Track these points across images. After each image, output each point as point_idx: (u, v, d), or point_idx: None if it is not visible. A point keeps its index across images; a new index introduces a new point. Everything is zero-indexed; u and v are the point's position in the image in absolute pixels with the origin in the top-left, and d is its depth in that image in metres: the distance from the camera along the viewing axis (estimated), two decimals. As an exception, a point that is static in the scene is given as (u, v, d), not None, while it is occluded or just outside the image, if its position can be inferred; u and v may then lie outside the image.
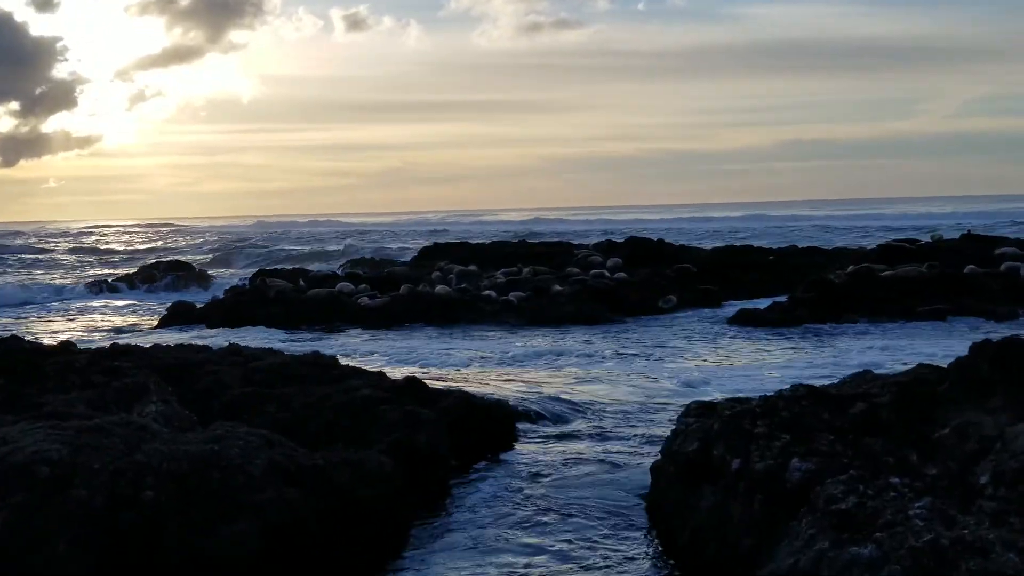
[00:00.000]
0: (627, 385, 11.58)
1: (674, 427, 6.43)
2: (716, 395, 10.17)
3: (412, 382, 9.03)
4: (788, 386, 5.91)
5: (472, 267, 23.16)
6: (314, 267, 32.49)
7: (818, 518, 4.29)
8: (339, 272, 27.22)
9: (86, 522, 5.10)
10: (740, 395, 7.68)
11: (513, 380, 12.31)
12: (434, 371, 13.19)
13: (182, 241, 72.73)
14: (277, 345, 15.39)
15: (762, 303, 20.22)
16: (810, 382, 6.23)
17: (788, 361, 13.01)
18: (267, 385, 8.82)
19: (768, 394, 5.87)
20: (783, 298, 19.23)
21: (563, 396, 10.81)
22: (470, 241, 31.97)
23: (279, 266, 30.77)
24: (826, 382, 6.55)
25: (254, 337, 17.96)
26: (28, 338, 9.35)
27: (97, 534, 5.08)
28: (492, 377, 12.56)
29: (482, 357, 14.39)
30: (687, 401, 9.90)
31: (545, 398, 10.76)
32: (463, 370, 13.34)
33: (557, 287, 20.63)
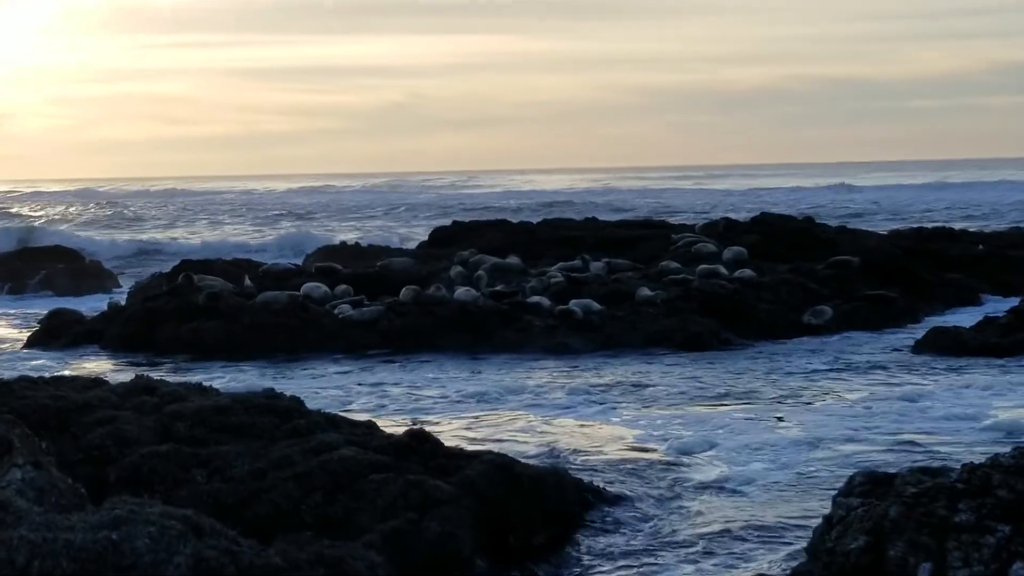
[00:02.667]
0: (753, 446, 11.65)
1: (827, 513, 6.47)
2: (889, 461, 10.26)
3: (419, 438, 9.02)
4: (1009, 449, 5.95)
5: (512, 259, 23.23)
6: (267, 259, 32.80)
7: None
8: (305, 266, 27.50)
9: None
10: (929, 462, 7.71)
11: (575, 436, 12.35)
12: (453, 422, 13.26)
13: (60, 213, 74.13)
14: (211, 379, 15.49)
15: (967, 317, 20.15)
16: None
17: (1009, 411, 13.03)
18: (194, 441, 8.86)
19: (975, 461, 5.91)
20: (1001, 310, 19.25)
21: (656, 463, 10.92)
22: (508, 219, 32.18)
23: (214, 256, 31.18)
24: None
25: (174, 366, 18.21)
26: None
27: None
28: (543, 431, 12.60)
29: (530, 402, 14.54)
30: (845, 469, 9.84)
31: (627, 466, 10.81)
32: (498, 419, 13.42)
33: (645, 291, 20.63)
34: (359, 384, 16.13)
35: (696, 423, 12.77)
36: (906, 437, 11.84)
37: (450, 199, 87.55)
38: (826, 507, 6.64)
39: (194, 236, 53.33)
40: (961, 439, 11.69)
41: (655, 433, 12.27)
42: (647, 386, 15.38)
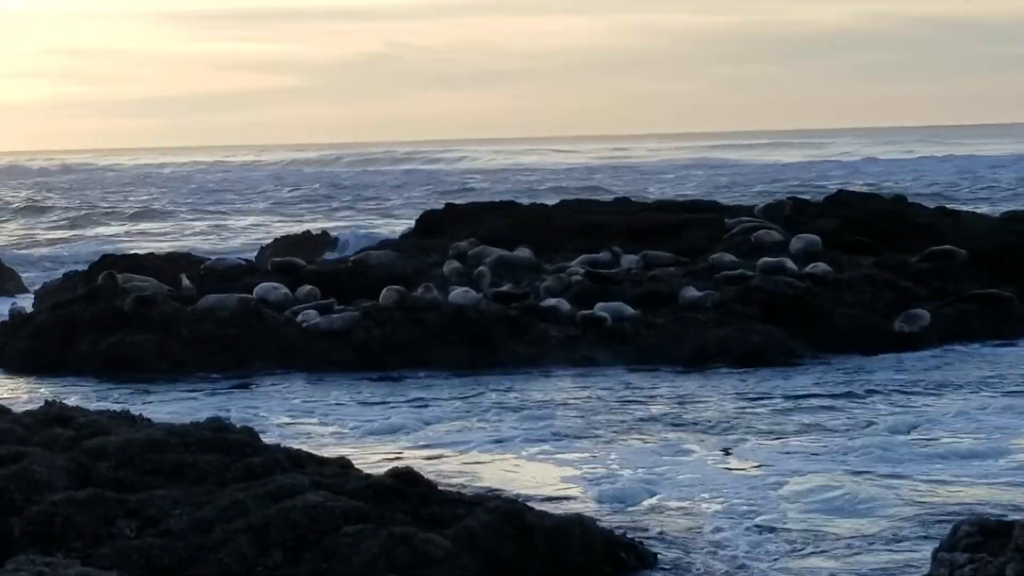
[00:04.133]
0: (830, 490, 11.66)
1: (927, 571, 6.58)
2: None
3: (406, 479, 9.01)
4: None
5: (522, 251, 23.23)
6: (210, 254, 32.73)
7: None
8: (259, 262, 27.49)
9: None
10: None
11: (605, 477, 12.25)
12: (450, 459, 13.24)
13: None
14: (141, 405, 15.35)
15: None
16: None
17: None
18: (121, 484, 8.86)
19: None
20: None
21: (717, 514, 10.94)
22: (516, 200, 32.17)
23: (143, 248, 31.21)
24: None
25: (94, 390, 18.13)
26: None
27: None
28: (563, 472, 12.52)
29: (551, 431, 14.53)
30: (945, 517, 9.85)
31: (665, 516, 10.76)
32: (506, 456, 13.39)
33: (692, 291, 20.63)
34: (329, 412, 16.10)
35: (741, 475, 12.64)
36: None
37: (442, 177, 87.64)
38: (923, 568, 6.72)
39: (116, 227, 53.49)
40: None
41: (709, 480, 12.28)
42: (692, 413, 15.40)
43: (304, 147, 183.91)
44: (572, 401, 16.38)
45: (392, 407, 16.28)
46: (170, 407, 16.22)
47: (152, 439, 9.49)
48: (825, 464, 12.79)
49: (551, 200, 33.55)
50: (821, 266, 21.62)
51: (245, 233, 48.38)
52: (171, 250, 32.36)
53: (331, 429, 15.06)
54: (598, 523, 9.82)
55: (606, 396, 16.65)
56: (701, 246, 23.78)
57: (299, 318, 20.00)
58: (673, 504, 11.34)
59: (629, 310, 19.82)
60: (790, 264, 21.62)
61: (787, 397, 16.32)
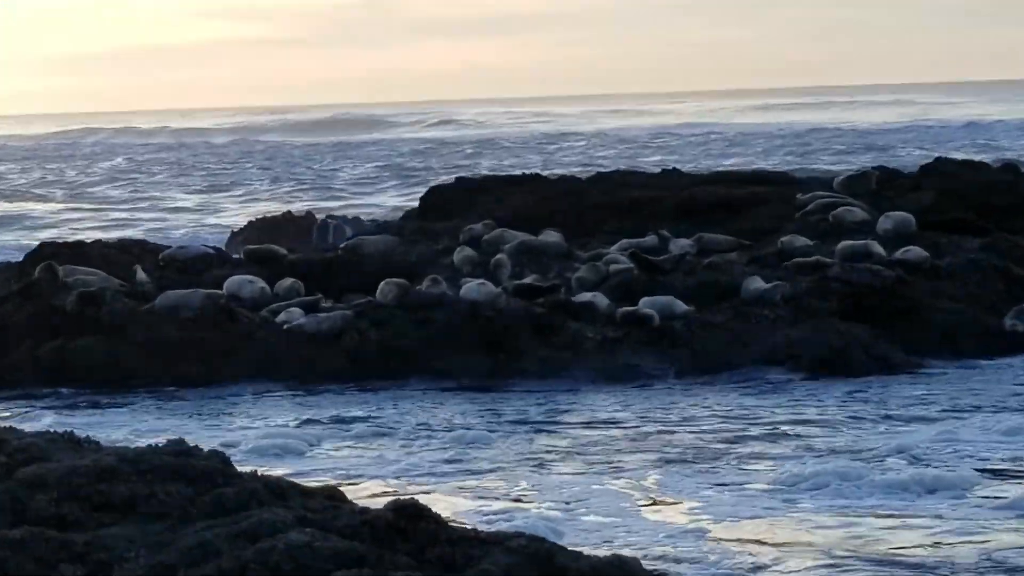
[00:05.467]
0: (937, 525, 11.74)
1: None
2: None
3: (410, 514, 9.01)
4: None
5: (550, 235, 23.25)
6: (169, 240, 32.75)
7: None
8: (230, 249, 27.49)
9: None
10: None
11: (644, 512, 12.33)
12: (454, 491, 13.31)
13: None
14: (88, 424, 15.50)
15: None
16: None
17: None
18: (63, 522, 8.87)
19: None
20: None
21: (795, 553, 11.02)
22: (539, 172, 32.05)
23: (86, 234, 31.22)
24: None
25: (29, 406, 18.21)
26: None
27: None
28: (596, 503, 12.62)
29: (575, 451, 14.59)
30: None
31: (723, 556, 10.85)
32: (525, 485, 13.49)
33: (757, 282, 20.64)
34: (315, 431, 16.19)
35: (851, 508, 12.64)
36: None
37: (449, 146, 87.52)
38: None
39: (48, 207, 53.58)
40: None
41: (780, 511, 12.38)
42: (757, 437, 15.42)
43: (279, 110, 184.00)
44: (616, 419, 16.44)
45: (394, 426, 16.38)
46: (123, 427, 16.30)
47: (101, 466, 9.48)
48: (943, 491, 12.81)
49: (583, 173, 33.57)
50: (915, 250, 21.58)
51: (213, 214, 48.50)
52: (122, 236, 32.41)
53: (320, 454, 15.18)
54: (641, 563, 9.83)
55: (656, 414, 16.70)
56: (768, 227, 23.74)
57: (279, 318, 20.03)
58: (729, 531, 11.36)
59: (681, 306, 19.82)
60: (877, 248, 21.57)
61: (884, 418, 16.31)
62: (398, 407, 17.53)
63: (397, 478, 14.03)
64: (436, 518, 9.20)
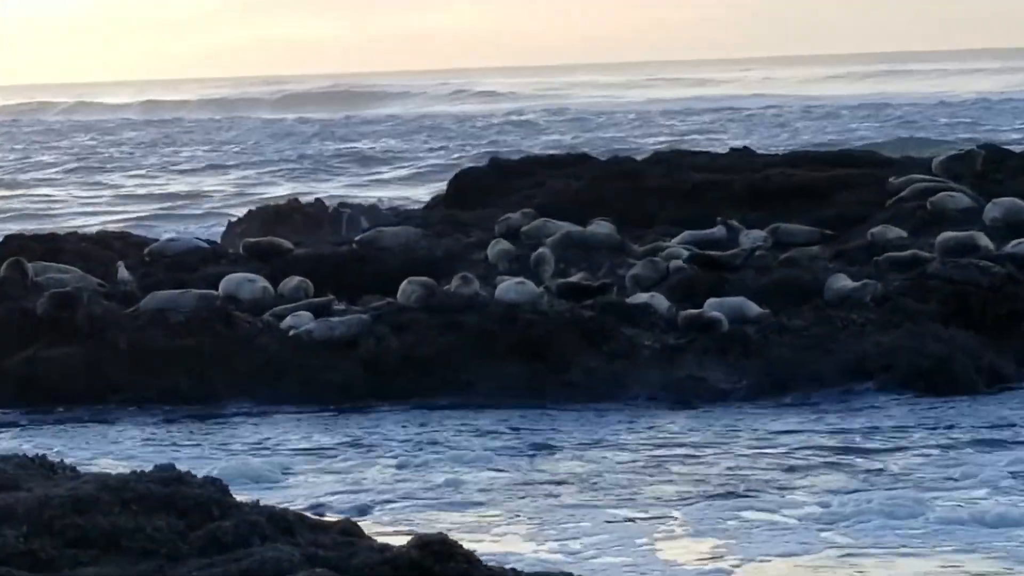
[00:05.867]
0: None
1: None
2: None
3: (438, 553, 9.01)
4: None
5: (600, 224, 23.27)
6: (155, 232, 32.81)
7: None
8: (225, 242, 27.52)
9: None
10: None
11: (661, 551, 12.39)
12: (476, 526, 13.38)
13: None
14: (64, 448, 15.54)
15: None
16: None
17: None
18: (35, 560, 8.86)
19: None
20: None
21: None
22: (587, 151, 32.12)
23: (57, 224, 31.33)
24: None
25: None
26: None
27: None
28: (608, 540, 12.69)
29: (597, 478, 14.63)
30: None
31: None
32: (544, 520, 13.55)
33: (842, 281, 20.59)
34: (326, 456, 16.23)
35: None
36: None
37: (477, 122, 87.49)
38: None
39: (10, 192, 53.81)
40: None
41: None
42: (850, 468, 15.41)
43: (279, 80, 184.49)
44: (669, 439, 16.49)
45: (414, 450, 16.41)
46: (103, 450, 16.31)
47: (79, 496, 9.48)
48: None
49: (636, 153, 33.54)
50: (1028, 245, 21.54)
51: (205, 201, 48.56)
52: (101, 227, 32.49)
53: (331, 480, 15.20)
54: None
55: (714, 433, 16.76)
56: (855, 215, 23.75)
57: (284, 323, 20.04)
58: None
59: (754, 308, 19.84)
60: (984, 240, 21.55)
61: (986, 443, 16.25)
62: (420, 426, 17.58)
63: (417, 509, 14.08)
64: (468, 556, 9.20)
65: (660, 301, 20.20)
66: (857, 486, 14.49)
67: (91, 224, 38.10)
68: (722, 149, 31.41)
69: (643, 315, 19.98)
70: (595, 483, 15.00)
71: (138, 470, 10.30)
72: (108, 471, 10.69)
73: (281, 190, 47.42)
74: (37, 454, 11.04)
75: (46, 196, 52.63)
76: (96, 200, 50.92)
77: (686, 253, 21.74)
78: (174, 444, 16.87)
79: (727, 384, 18.74)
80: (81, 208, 48.38)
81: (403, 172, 56.80)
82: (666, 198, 25.49)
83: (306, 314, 20.08)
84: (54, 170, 63.41)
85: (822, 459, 15.64)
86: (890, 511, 13.24)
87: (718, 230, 22.85)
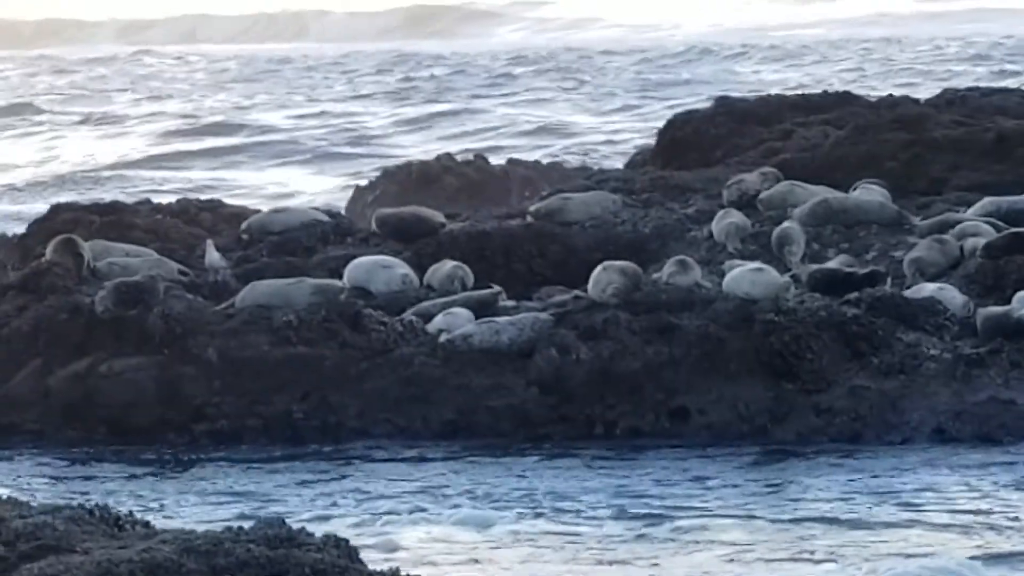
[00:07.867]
0: None
1: None
2: None
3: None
4: None
5: (868, 188, 23.33)
6: (258, 203, 33.29)
7: None
8: (349, 216, 27.68)
9: None
10: None
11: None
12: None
13: None
14: (127, 497, 15.78)
15: None
16: None
17: None
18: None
19: None
20: None
21: None
22: (849, 89, 32.17)
23: (127, 194, 31.78)
24: None
25: (36, 459, 18.74)
26: None
27: None
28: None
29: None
30: None
31: None
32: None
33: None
34: (481, 505, 16.39)
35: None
36: None
37: (684, 59, 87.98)
38: None
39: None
40: None
41: None
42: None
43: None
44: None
45: (592, 508, 16.44)
46: (184, 496, 16.49)
47: (155, 562, 9.56)
48: None
49: (913, 91, 33.45)
50: None
51: (323, 161, 49.04)
52: (180, 195, 32.82)
53: (496, 546, 15.25)
54: None
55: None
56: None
57: (432, 325, 20.21)
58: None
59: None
60: None
61: None
62: (623, 477, 17.62)
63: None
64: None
65: (952, 295, 20.20)
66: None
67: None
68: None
69: (928, 314, 19.97)
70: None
71: (235, 526, 10.36)
72: (193, 527, 10.72)
73: (419, 145, 47.59)
74: (97, 504, 11.10)
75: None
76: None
77: (989, 230, 21.65)
78: (282, 491, 16.99)
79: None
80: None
81: (588, 112, 57.26)
82: (960, 154, 25.37)
83: (463, 312, 20.20)
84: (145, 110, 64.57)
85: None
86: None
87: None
